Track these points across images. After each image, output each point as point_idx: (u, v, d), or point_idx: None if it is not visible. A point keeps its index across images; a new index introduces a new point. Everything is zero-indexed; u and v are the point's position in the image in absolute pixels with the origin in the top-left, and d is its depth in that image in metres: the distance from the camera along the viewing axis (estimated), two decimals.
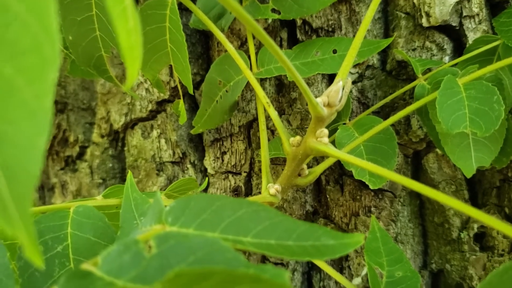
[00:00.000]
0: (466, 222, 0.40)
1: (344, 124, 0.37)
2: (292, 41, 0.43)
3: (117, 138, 0.49)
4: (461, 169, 0.31)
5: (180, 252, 0.20)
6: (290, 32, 0.43)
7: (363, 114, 0.37)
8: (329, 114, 0.28)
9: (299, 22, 0.42)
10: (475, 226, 0.41)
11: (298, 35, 0.42)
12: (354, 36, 0.37)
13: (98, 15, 0.27)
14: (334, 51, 0.33)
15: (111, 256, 0.21)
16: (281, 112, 0.44)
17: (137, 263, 0.20)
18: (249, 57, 0.36)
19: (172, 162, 0.46)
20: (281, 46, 0.42)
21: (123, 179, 0.47)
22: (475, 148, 0.31)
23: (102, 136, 0.49)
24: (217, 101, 0.35)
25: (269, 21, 0.42)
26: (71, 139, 0.50)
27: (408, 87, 0.36)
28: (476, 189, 0.41)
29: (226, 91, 0.35)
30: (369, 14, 0.28)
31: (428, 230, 0.42)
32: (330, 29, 0.41)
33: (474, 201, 0.41)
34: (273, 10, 0.34)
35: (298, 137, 0.31)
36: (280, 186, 0.32)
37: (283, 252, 0.23)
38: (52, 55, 0.14)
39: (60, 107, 0.50)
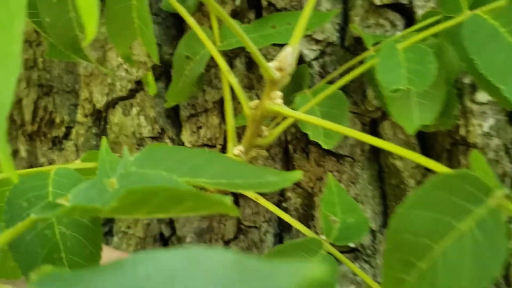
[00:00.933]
0: (419, 182, 0.44)
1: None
2: None
3: (99, 117, 0.52)
4: (404, 126, 0.35)
5: (139, 184, 0.23)
6: (257, 13, 0.46)
7: (320, 83, 0.41)
8: (281, 77, 0.32)
9: (264, 3, 0.45)
10: None
11: (264, 15, 0.45)
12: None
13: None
14: (289, 24, 0.36)
15: (80, 192, 0.24)
16: (251, 87, 0.47)
17: (101, 196, 0.24)
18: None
19: (152, 137, 0.50)
20: None
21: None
22: (416, 109, 0.35)
23: (86, 116, 0.52)
24: (185, 74, 0.38)
25: (237, 2, 0.46)
26: (57, 120, 0.53)
27: (358, 58, 0.39)
28: (429, 153, 0.45)
29: (193, 64, 0.38)
30: None
31: (387, 192, 0.46)
32: (293, 9, 0.44)
33: None
34: None
35: (256, 101, 0.34)
36: (243, 147, 0.36)
37: (233, 187, 0.26)
38: (18, 9, 0.17)
39: (46, 90, 0.54)
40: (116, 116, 0.51)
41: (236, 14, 0.46)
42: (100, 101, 0.51)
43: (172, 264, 0.13)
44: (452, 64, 0.38)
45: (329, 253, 0.34)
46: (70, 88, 0.54)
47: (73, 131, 0.53)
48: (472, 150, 0.42)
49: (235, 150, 0.36)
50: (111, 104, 0.51)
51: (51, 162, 0.53)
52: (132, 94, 0.50)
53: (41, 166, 0.54)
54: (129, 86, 0.49)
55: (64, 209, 0.22)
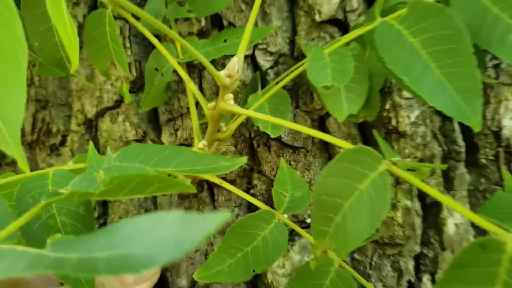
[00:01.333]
0: None
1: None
2: None
3: (91, 125, 0.60)
4: (336, 116, 0.42)
5: (119, 173, 0.31)
6: (219, 31, 0.55)
7: (270, 85, 0.49)
8: (231, 83, 0.40)
9: (225, 23, 0.54)
10: None
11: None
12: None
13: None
14: (237, 38, 0.44)
15: (76, 182, 0.32)
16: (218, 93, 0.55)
17: (92, 184, 0.31)
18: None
19: (136, 140, 0.57)
20: None
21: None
22: (345, 102, 0.43)
23: (79, 125, 0.60)
24: (155, 84, 0.46)
25: (203, 23, 0.54)
26: (54, 130, 0.61)
27: (299, 63, 0.47)
28: (368, 141, 0.53)
29: (162, 75, 0.46)
30: (254, 9, 0.40)
31: None
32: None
33: None
34: (189, 11, 0.46)
35: (213, 103, 0.42)
36: (206, 141, 0.44)
37: (194, 172, 0.34)
38: (22, 54, 0.25)
39: (43, 104, 0.61)
40: (105, 124, 0.58)
41: (202, 33, 0.54)
42: (91, 111, 0.59)
43: (144, 224, 0.21)
44: (375, 65, 0.46)
45: (280, 221, 0.41)
46: (64, 101, 0.61)
47: (68, 138, 0.61)
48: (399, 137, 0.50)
49: (200, 144, 0.43)
50: (100, 114, 0.59)
51: (50, 166, 0.60)
52: (117, 104, 0.58)
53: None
54: (115, 97, 0.57)
55: (66, 195, 0.30)
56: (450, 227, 0.52)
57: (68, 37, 0.27)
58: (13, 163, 0.66)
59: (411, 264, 0.52)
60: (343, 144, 0.34)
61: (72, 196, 0.28)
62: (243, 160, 0.34)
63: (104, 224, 0.59)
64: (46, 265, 0.19)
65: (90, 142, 0.42)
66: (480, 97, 0.34)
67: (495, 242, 0.26)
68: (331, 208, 0.33)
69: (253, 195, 0.55)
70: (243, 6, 0.52)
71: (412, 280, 0.52)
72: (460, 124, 0.52)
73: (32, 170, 0.63)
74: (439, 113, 0.52)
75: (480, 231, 0.52)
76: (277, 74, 0.53)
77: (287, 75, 0.46)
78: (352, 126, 0.52)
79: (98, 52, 0.39)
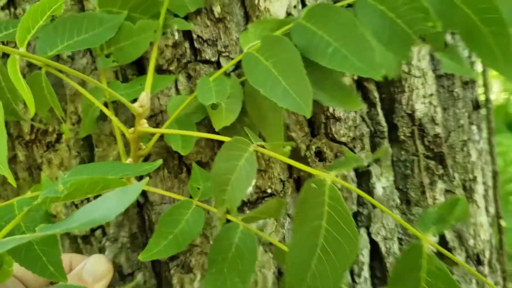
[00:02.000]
0: (308, 146, 0.63)
1: None
2: None
3: None
4: (215, 126, 0.55)
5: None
6: (190, 44, 0.62)
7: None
8: (143, 111, 0.54)
9: (195, 36, 0.60)
10: (313, 147, 0.63)
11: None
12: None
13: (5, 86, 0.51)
14: (141, 85, 0.58)
15: (45, 193, 0.43)
16: None
17: (56, 192, 0.43)
18: None
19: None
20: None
21: (91, 151, 0.67)
22: (225, 114, 0.58)
23: (73, 124, 0.66)
24: (89, 116, 0.59)
25: (176, 37, 0.62)
26: (50, 129, 0.67)
27: None
28: (313, 126, 0.62)
29: (93, 109, 0.60)
30: (151, 65, 0.55)
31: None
32: (214, 39, 0.61)
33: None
34: (114, 61, 0.59)
35: (132, 128, 0.56)
36: (131, 159, 0.58)
37: (126, 176, 0.47)
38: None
39: None
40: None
41: (175, 45, 0.62)
42: None
43: (100, 200, 0.34)
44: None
45: (197, 206, 0.56)
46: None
47: (63, 136, 0.67)
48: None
49: (127, 161, 0.57)
50: None
51: (49, 160, 0.66)
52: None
53: (39, 166, 0.67)
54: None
55: (40, 200, 0.41)
56: (378, 190, 0.64)
57: (25, 93, 0.40)
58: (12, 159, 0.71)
59: None
60: (225, 139, 0.49)
61: (45, 201, 0.40)
62: (159, 162, 0.48)
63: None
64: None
65: (42, 175, 0.54)
66: (310, 96, 0.49)
67: (319, 179, 0.43)
68: (224, 182, 0.47)
69: None
70: (208, 22, 0.62)
71: None
72: (382, 109, 0.64)
73: (29, 166, 0.69)
74: (365, 100, 0.64)
75: (402, 193, 0.65)
76: (239, 76, 0.61)
77: None
78: (299, 115, 0.62)
79: (38, 101, 0.52)
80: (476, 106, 0.72)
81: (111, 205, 0.32)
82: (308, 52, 0.50)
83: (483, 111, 0.77)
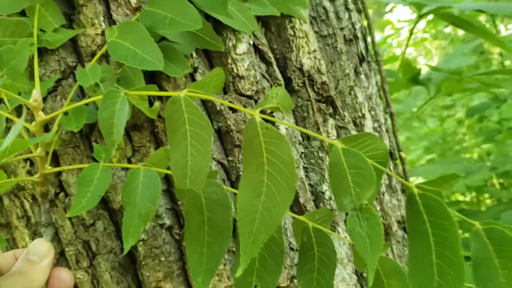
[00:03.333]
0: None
1: None
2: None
3: None
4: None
5: None
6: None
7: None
8: (37, 104, 0.68)
9: None
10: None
11: None
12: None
13: None
14: None
15: None
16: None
17: None
18: None
19: None
20: None
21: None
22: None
23: None
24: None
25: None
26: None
27: None
28: None
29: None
30: (36, 70, 0.70)
31: None
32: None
33: None
34: (8, 79, 0.73)
35: (34, 122, 0.69)
36: (40, 148, 0.70)
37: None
38: None
39: None
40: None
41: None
42: None
43: None
44: None
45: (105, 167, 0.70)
46: None
47: None
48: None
49: (37, 151, 0.70)
50: None
51: None
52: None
53: None
54: None
55: None
56: (282, 130, 0.69)
57: None
58: None
59: None
60: (99, 98, 0.64)
61: None
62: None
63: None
64: None
65: None
66: (161, 56, 0.63)
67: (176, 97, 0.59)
68: (109, 126, 0.59)
69: None
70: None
71: None
72: (278, 67, 0.71)
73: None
74: (263, 61, 0.70)
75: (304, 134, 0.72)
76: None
77: None
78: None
79: None
80: (362, 58, 0.85)
81: None
82: (154, 28, 0.68)
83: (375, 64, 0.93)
